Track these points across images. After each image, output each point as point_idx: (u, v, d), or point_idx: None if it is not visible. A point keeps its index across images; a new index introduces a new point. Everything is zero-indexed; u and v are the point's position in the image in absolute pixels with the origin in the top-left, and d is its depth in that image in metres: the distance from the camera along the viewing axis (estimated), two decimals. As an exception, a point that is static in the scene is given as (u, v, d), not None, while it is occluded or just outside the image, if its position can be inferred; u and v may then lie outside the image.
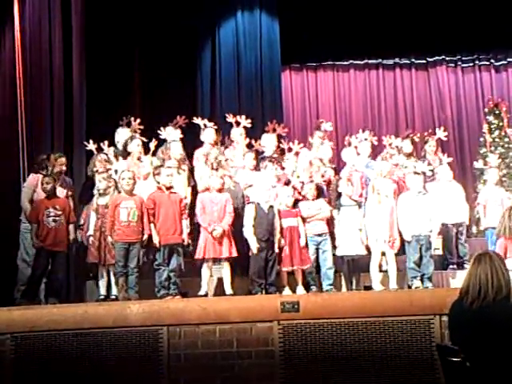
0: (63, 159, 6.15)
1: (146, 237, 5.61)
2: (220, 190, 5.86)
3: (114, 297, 5.72)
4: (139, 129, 6.71)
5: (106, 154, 6.36)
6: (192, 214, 5.97)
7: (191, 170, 6.48)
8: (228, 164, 6.26)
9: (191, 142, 6.87)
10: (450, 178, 6.52)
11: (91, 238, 5.79)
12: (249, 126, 6.88)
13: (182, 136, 6.71)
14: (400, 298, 5.17)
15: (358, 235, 5.96)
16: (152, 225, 5.65)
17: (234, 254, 5.70)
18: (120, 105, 7.74)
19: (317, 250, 5.92)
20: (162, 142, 6.56)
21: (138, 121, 6.78)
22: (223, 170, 6.09)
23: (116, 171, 6.07)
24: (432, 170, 6.65)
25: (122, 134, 6.72)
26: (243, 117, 6.90)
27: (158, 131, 6.58)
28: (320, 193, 6.16)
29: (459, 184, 6.61)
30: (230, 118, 6.94)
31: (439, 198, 6.27)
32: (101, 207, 5.85)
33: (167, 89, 8.37)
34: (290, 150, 6.74)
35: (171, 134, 6.69)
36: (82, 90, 7.31)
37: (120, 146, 6.64)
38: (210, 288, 5.78)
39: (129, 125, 6.77)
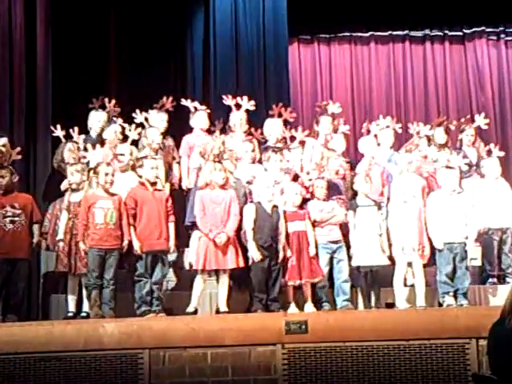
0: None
1: (126, 243, 5.64)
2: (223, 187, 5.86)
3: (85, 314, 5.74)
4: (115, 111, 6.72)
5: (77, 142, 6.38)
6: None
7: (170, 163, 6.52)
8: (232, 156, 6.27)
9: (178, 128, 6.92)
10: (498, 175, 6.52)
11: (61, 243, 5.82)
12: (252, 108, 6.90)
13: (166, 125, 6.74)
14: (429, 317, 5.20)
15: (378, 242, 5.99)
16: (132, 228, 5.68)
17: (241, 263, 5.72)
18: (93, 83, 7.78)
19: (331, 259, 5.95)
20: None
21: (113, 102, 6.81)
22: (228, 162, 6.12)
23: (88, 163, 6.09)
24: (469, 164, 6.69)
25: (95, 118, 6.74)
26: (245, 98, 6.90)
27: (133, 114, 6.60)
28: (334, 191, 6.19)
29: (506, 182, 6.60)
30: (229, 100, 6.94)
31: (481, 198, 6.29)
32: (73, 205, 5.86)
33: (150, 64, 8.36)
34: (293, 138, 6.77)
35: (153, 118, 6.72)
36: (46, 65, 7.35)
37: (93, 133, 6.65)
38: (200, 304, 5.81)
39: (103, 107, 6.80)
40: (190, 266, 5.76)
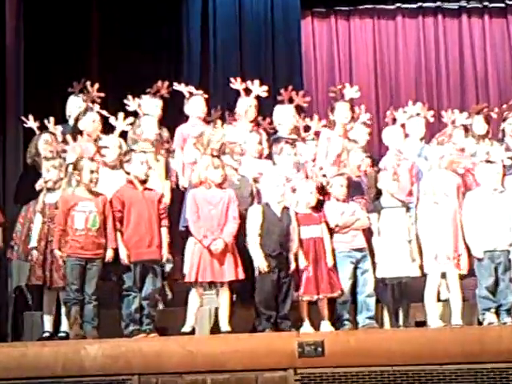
0: None
1: (110, 252, 5.62)
2: (220, 185, 5.84)
3: (63, 334, 5.73)
4: (99, 97, 6.70)
5: (53, 134, 6.35)
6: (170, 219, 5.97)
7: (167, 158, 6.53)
8: (234, 150, 6.25)
9: (171, 117, 6.90)
10: (550, 172, 6.52)
11: (34, 252, 5.79)
12: (264, 95, 6.87)
13: (160, 112, 6.74)
14: (467, 338, 5.19)
15: (407, 249, 5.96)
16: (119, 234, 5.66)
17: (241, 275, 5.72)
18: (72, 66, 7.75)
19: (354, 270, 5.94)
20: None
21: (97, 86, 6.77)
22: (229, 157, 6.10)
23: (64, 158, 6.05)
24: (513, 158, 6.66)
25: (74, 104, 6.74)
26: (256, 82, 6.87)
27: (125, 101, 6.58)
28: (355, 191, 6.16)
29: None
30: (237, 84, 6.89)
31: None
32: (49, 207, 5.85)
33: (138, 42, 8.34)
34: (306, 128, 6.71)
35: (147, 105, 6.70)
36: (17, 48, 7.36)
37: (72, 121, 6.65)
38: (198, 322, 5.78)
39: (84, 91, 6.78)
40: (183, 277, 5.75)
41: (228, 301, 5.72)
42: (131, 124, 6.32)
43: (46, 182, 5.95)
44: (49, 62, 7.84)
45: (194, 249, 5.72)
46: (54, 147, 6.15)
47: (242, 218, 5.89)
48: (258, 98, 6.87)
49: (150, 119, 6.47)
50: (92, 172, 5.69)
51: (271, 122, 6.96)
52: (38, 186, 6.06)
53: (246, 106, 6.82)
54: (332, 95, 7.29)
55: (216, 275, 5.66)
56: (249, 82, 6.88)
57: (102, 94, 6.79)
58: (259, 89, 6.86)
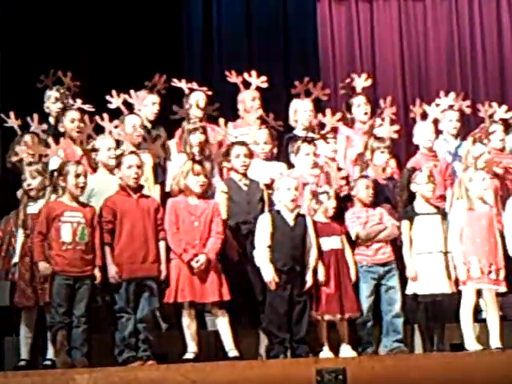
0: None
1: (97, 272, 5.62)
2: (202, 195, 5.86)
3: (49, 362, 5.71)
4: (75, 86, 6.73)
5: (37, 134, 6.37)
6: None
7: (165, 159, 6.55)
8: (234, 150, 6.22)
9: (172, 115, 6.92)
10: None
11: (17, 269, 5.80)
12: (264, 86, 6.89)
13: (158, 109, 6.76)
14: (508, 362, 5.19)
15: (443, 262, 5.94)
16: (108, 249, 5.66)
17: (226, 297, 5.73)
18: (59, 58, 7.74)
19: (377, 287, 5.93)
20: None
21: (70, 75, 6.82)
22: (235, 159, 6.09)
23: (47, 164, 6.06)
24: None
25: (50, 99, 6.81)
26: (253, 73, 6.92)
27: (108, 97, 6.59)
28: (380, 196, 6.17)
29: None
30: (233, 77, 6.95)
31: None
32: (32, 217, 5.84)
33: (131, 31, 8.36)
34: (321, 125, 6.73)
35: (141, 101, 6.75)
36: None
37: (52, 120, 6.70)
38: (202, 347, 5.77)
39: (59, 83, 6.84)
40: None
41: (226, 323, 5.71)
42: (116, 126, 6.33)
43: (28, 190, 5.94)
44: (32, 52, 7.86)
45: (172, 265, 5.73)
46: (35, 150, 6.13)
47: (250, 228, 5.91)
48: (259, 90, 6.93)
49: (134, 118, 6.48)
50: (78, 176, 5.69)
51: (276, 119, 6.96)
52: (19, 194, 6.07)
53: (247, 100, 6.87)
54: (343, 92, 7.32)
55: (196, 295, 5.66)
56: (245, 74, 6.94)
57: (77, 83, 6.82)
58: (257, 80, 6.91)
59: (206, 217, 5.79)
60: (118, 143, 6.33)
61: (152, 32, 8.34)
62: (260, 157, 6.49)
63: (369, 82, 7.23)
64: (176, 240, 5.73)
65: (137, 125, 6.43)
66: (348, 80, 7.40)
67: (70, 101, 6.67)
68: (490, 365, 5.15)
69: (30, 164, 6.01)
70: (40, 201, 5.91)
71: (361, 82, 7.19)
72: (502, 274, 5.90)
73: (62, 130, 6.52)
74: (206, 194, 5.92)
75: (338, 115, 6.77)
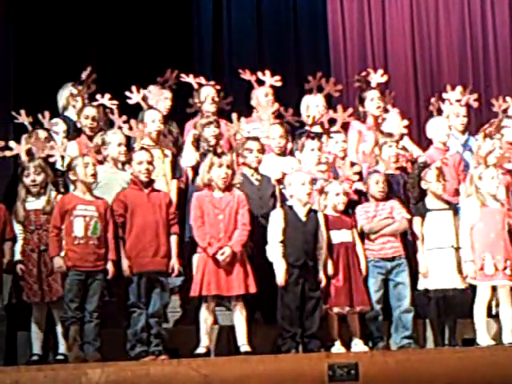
0: None
1: (110, 265, 5.62)
2: (227, 189, 5.84)
3: (61, 357, 5.72)
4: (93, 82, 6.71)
5: (48, 131, 6.37)
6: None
7: (177, 155, 6.56)
8: (247, 145, 6.23)
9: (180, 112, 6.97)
10: None
11: (19, 266, 5.77)
12: (278, 85, 6.93)
13: (170, 104, 6.81)
14: None
15: (454, 258, 5.95)
16: (120, 242, 5.67)
17: (253, 289, 5.71)
18: (69, 54, 7.77)
19: (385, 282, 5.93)
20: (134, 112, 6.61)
21: (88, 71, 6.77)
22: (236, 154, 6.11)
23: (63, 158, 6.07)
24: None
25: (63, 96, 6.84)
26: (267, 73, 6.93)
27: (127, 93, 6.62)
28: (389, 190, 6.16)
29: None
30: (247, 75, 6.97)
31: None
32: (35, 213, 5.82)
33: (141, 26, 8.37)
34: (331, 121, 6.71)
35: (153, 96, 6.76)
36: (6, 34, 7.42)
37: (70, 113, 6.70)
38: (213, 342, 5.81)
39: (81, 82, 6.82)
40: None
41: (243, 317, 5.70)
42: (126, 121, 6.31)
43: (32, 186, 5.88)
44: (43, 50, 7.88)
45: (198, 259, 5.73)
46: (41, 146, 6.09)
47: (262, 223, 5.91)
48: (273, 88, 6.94)
49: (154, 113, 6.51)
50: (87, 165, 5.69)
51: (295, 114, 6.95)
52: (19, 191, 5.98)
53: (261, 97, 6.88)
54: (357, 85, 7.30)
55: (222, 288, 5.66)
56: (259, 73, 6.94)
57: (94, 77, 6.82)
58: (271, 79, 6.91)
59: (231, 209, 5.78)
60: (129, 139, 6.37)
61: (162, 28, 8.37)
62: (275, 151, 6.47)
63: (384, 78, 7.21)
64: (201, 234, 5.72)
65: (156, 119, 6.45)
66: (364, 73, 7.37)
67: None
68: (502, 360, 5.12)
69: (33, 160, 5.97)
70: (42, 197, 5.89)
71: (377, 77, 7.16)
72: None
73: (78, 125, 6.56)
74: (232, 186, 5.88)
75: (350, 111, 6.73)
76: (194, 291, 5.69)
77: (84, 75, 6.81)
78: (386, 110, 6.97)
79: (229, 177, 5.83)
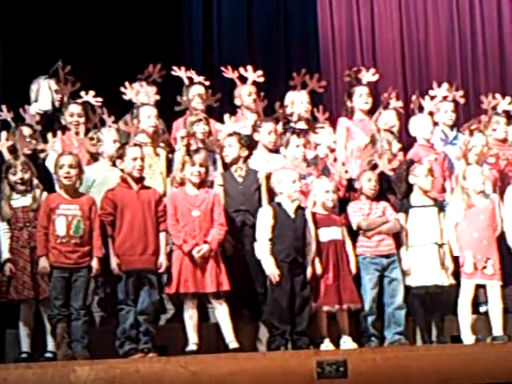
0: None
1: (95, 263, 5.61)
2: (201, 185, 5.85)
3: (50, 355, 5.70)
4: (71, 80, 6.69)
5: (32, 126, 6.34)
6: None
7: (171, 152, 6.51)
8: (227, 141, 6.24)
9: (169, 108, 6.88)
10: None
11: (8, 265, 5.74)
12: (260, 80, 6.92)
13: (157, 97, 6.76)
14: (509, 355, 5.17)
15: (437, 254, 5.97)
16: (109, 240, 5.65)
17: (226, 287, 5.72)
18: (56, 48, 7.72)
19: (380, 279, 5.95)
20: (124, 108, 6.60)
21: (69, 68, 6.76)
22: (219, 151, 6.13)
23: (41, 156, 6.05)
24: None
25: (44, 91, 6.84)
26: (249, 68, 6.91)
27: (122, 89, 6.60)
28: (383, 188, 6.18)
29: None
30: (229, 73, 6.98)
31: None
32: (22, 210, 5.78)
33: (130, 20, 8.36)
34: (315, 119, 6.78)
35: (141, 93, 6.74)
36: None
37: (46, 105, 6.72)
38: (203, 339, 5.77)
39: (55, 74, 6.81)
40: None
41: (226, 314, 5.71)
42: (115, 122, 6.30)
43: (20, 183, 5.82)
44: (32, 42, 7.87)
45: (175, 256, 5.74)
46: (25, 144, 6.03)
47: (251, 220, 5.92)
48: (256, 84, 6.94)
49: (149, 109, 6.48)
50: (71, 166, 5.66)
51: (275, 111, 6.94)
52: (3, 188, 5.93)
53: (245, 96, 6.87)
54: (347, 79, 7.30)
55: (198, 286, 5.67)
56: (241, 69, 6.94)
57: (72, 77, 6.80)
58: (253, 74, 6.91)
59: (206, 206, 5.79)
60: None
61: (152, 24, 8.35)
62: (268, 147, 6.46)
63: (375, 78, 7.23)
64: (175, 231, 5.73)
65: (152, 115, 6.44)
66: (355, 69, 7.38)
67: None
68: (491, 357, 5.12)
69: (18, 157, 5.89)
70: (28, 194, 5.84)
71: (368, 75, 7.19)
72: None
73: (63, 122, 6.54)
74: (206, 183, 5.91)
75: (327, 114, 6.81)
76: (169, 289, 5.71)
77: (60, 70, 6.78)
78: (386, 106, 6.97)
79: (202, 174, 5.84)
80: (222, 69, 7.10)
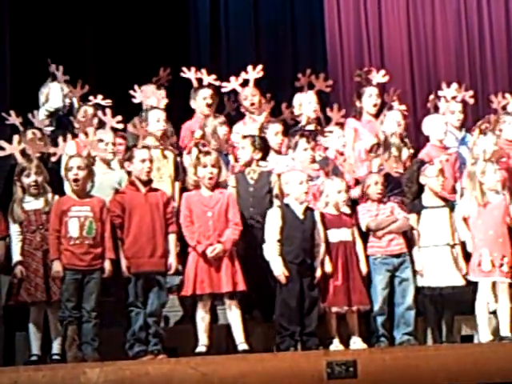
0: None
1: (108, 264, 5.62)
2: (215, 187, 5.85)
3: (57, 357, 5.70)
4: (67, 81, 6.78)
5: (40, 130, 6.37)
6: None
7: (179, 155, 6.54)
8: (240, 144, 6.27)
9: (177, 111, 6.99)
10: None
11: (19, 267, 5.73)
12: (258, 75, 6.92)
13: (166, 101, 6.79)
14: None
15: (450, 255, 5.96)
16: (119, 243, 5.68)
17: (241, 287, 5.71)
18: (63, 52, 7.77)
19: (390, 279, 5.94)
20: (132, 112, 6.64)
21: (61, 68, 6.83)
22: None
23: (52, 159, 6.05)
24: None
25: (54, 92, 6.87)
26: (249, 68, 6.92)
27: (131, 92, 6.66)
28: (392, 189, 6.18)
29: None
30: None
31: None
32: (35, 213, 5.79)
33: (137, 24, 8.39)
34: (328, 120, 6.76)
35: (150, 96, 6.76)
36: (2, 31, 7.44)
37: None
38: (213, 340, 5.77)
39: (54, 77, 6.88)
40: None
41: (238, 315, 5.71)
42: (120, 121, 6.28)
43: (33, 186, 5.83)
44: (40, 47, 7.88)
45: (190, 258, 5.74)
46: (36, 147, 6.07)
47: (252, 223, 5.94)
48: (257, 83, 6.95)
49: (159, 112, 6.50)
50: (79, 168, 5.67)
51: (292, 112, 6.97)
52: (15, 191, 5.94)
53: (248, 99, 6.88)
54: (357, 79, 7.29)
55: (214, 286, 5.66)
56: (243, 73, 6.94)
57: (67, 77, 6.85)
58: (253, 72, 6.92)
59: (221, 207, 5.79)
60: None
61: (158, 25, 8.36)
62: (274, 148, 6.48)
63: (385, 79, 7.23)
64: (190, 233, 5.74)
65: (161, 119, 6.45)
66: (365, 69, 7.39)
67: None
68: (501, 356, 5.12)
69: (31, 160, 5.90)
70: (41, 197, 5.84)
71: (378, 76, 7.20)
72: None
73: (76, 125, 6.56)
74: (219, 184, 5.90)
75: (343, 111, 6.77)
76: (186, 290, 5.71)
77: (56, 71, 6.82)
78: (390, 108, 6.96)
79: (215, 175, 5.84)
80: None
